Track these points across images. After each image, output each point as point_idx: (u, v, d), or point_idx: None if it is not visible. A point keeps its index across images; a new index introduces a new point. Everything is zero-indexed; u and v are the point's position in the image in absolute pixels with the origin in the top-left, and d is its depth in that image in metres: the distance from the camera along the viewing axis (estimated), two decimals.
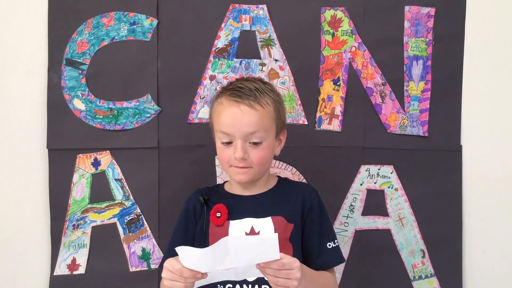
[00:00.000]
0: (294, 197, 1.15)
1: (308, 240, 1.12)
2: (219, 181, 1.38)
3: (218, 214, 1.11)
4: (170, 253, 1.06)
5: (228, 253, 0.88)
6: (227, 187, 1.21)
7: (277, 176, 1.23)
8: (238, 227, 1.10)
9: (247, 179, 1.10)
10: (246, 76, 1.38)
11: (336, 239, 1.15)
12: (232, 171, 1.11)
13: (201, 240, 1.12)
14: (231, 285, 1.05)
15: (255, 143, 1.08)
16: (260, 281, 1.05)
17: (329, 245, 1.12)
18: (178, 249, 0.90)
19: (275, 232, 1.08)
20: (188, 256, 0.90)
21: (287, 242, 1.09)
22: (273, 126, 1.11)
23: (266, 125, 1.08)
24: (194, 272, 0.91)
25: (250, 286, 1.05)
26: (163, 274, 0.95)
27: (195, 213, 1.16)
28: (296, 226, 1.11)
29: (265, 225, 1.10)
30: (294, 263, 0.91)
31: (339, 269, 1.37)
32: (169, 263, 0.94)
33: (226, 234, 1.09)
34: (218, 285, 1.05)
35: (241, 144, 1.07)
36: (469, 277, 1.42)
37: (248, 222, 1.10)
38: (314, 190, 1.18)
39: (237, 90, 1.09)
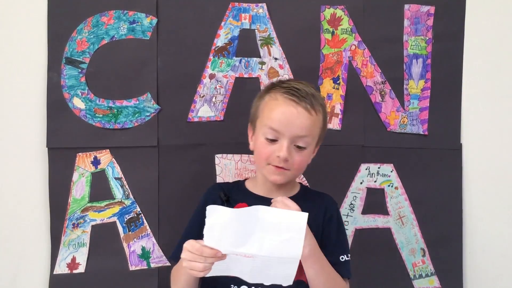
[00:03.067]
0: (317, 207, 1.14)
1: (322, 249, 1.09)
2: (219, 179, 1.38)
3: None
4: (181, 248, 1.02)
5: (254, 227, 0.88)
6: (249, 186, 1.19)
7: (299, 183, 1.23)
8: None
9: (282, 180, 1.10)
10: (244, 75, 1.38)
11: (349, 253, 1.13)
12: (268, 169, 1.09)
13: None
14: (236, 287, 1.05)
15: (299, 147, 1.07)
16: None
17: (342, 258, 1.11)
18: (209, 207, 0.89)
19: None
20: (214, 225, 0.89)
21: None
22: (318, 135, 1.11)
23: (315, 132, 1.09)
24: (214, 251, 0.90)
25: None
26: (183, 255, 0.93)
27: None
28: (316, 236, 1.08)
29: None
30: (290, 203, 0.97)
31: None
32: (189, 243, 0.92)
33: None
34: None
35: (287, 144, 1.05)
36: (469, 276, 1.42)
37: None
38: (335, 202, 1.19)
39: (294, 90, 1.07)
